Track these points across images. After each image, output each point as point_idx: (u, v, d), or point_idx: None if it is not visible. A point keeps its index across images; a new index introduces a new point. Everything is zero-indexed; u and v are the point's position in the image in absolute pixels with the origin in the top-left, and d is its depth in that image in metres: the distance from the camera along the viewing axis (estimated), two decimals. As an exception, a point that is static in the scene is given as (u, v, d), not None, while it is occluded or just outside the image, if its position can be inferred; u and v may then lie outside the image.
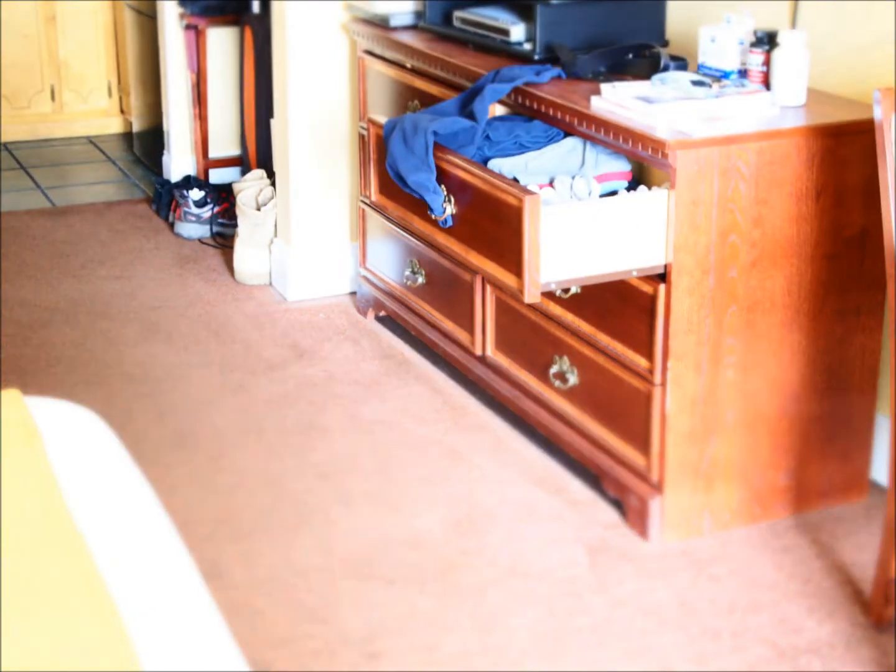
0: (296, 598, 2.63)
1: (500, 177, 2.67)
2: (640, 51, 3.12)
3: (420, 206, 2.91)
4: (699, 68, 2.99)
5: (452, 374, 3.60)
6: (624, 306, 2.79)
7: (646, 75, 2.97)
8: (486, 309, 3.32)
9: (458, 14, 3.52)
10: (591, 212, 2.60)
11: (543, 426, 3.15)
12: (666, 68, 2.97)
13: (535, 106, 3.00)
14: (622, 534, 2.87)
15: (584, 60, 3.06)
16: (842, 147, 2.72)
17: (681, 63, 3.02)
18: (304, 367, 3.69)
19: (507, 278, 2.65)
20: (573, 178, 2.89)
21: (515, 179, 2.87)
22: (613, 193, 2.89)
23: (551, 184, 2.91)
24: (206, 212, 4.75)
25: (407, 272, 3.72)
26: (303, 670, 2.43)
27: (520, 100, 3.06)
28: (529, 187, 2.73)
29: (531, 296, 2.59)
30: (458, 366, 3.50)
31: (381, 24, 3.75)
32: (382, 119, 3.09)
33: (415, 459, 3.17)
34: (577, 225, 2.59)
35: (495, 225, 2.67)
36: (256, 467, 3.15)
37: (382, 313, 3.96)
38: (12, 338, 3.89)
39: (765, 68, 2.87)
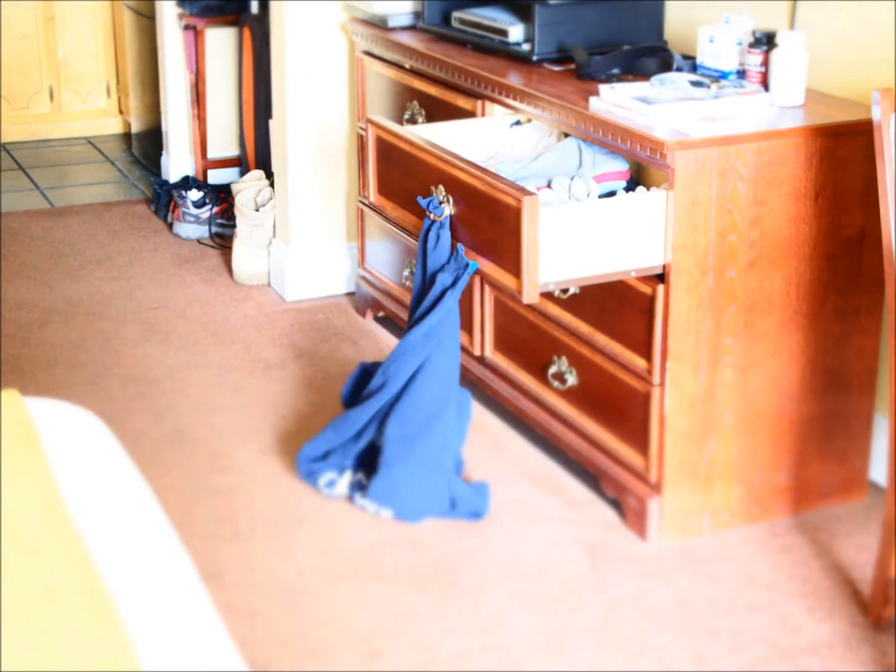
0: (295, 598, 2.63)
1: (499, 177, 2.67)
2: (654, 52, 3.12)
3: (418, 207, 2.91)
4: (697, 68, 2.99)
5: (451, 375, 3.60)
6: (622, 307, 2.79)
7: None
8: (484, 309, 3.32)
9: (456, 14, 3.52)
10: (589, 212, 2.60)
11: (542, 426, 3.15)
12: (680, 69, 2.98)
13: (534, 106, 3.00)
14: (621, 534, 2.87)
15: (598, 62, 3.06)
16: (840, 147, 2.72)
17: (694, 63, 3.01)
18: (303, 368, 3.69)
19: (506, 279, 2.65)
20: (571, 179, 2.90)
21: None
22: (612, 194, 2.89)
23: (549, 185, 2.91)
24: (205, 212, 4.75)
25: (405, 272, 3.72)
26: (303, 670, 2.43)
27: (519, 101, 3.06)
28: (527, 188, 2.73)
29: (530, 296, 2.59)
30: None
31: (379, 24, 3.75)
32: (382, 119, 3.09)
33: (414, 460, 3.17)
34: (576, 225, 2.60)
35: (494, 225, 2.67)
36: (255, 467, 3.15)
37: (381, 314, 3.96)
38: (11, 338, 3.89)
39: (763, 69, 2.88)
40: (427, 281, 2.88)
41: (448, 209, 2.82)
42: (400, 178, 3.01)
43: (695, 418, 2.77)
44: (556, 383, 3.06)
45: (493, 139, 3.19)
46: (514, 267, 2.61)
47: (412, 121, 3.54)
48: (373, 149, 3.11)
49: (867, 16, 2.90)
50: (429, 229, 2.84)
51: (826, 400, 2.89)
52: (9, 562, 1.57)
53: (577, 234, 2.60)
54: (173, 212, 4.79)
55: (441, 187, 2.84)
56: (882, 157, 2.32)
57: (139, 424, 3.35)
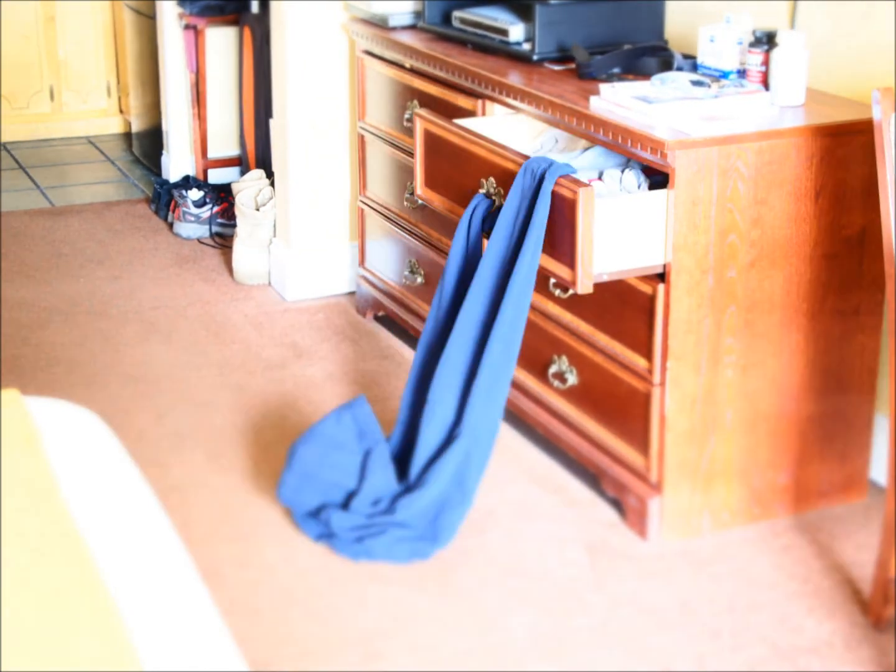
0: (296, 598, 2.63)
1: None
2: (654, 51, 3.12)
3: (467, 200, 2.93)
4: (698, 68, 2.99)
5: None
6: (623, 306, 2.79)
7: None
8: (485, 309, 3.32)
9: (457, 14, 3.52)
10: (641, 203, 2.63)
11: (542, 426, 3.15)
12: (680, 69, 2.98)
13: (535, 106, 3.00)
14: (621, 534, 2.87)
15: (598, 61, 3.06)
16: (841, 147, 2.72)
17: (694, 62, 3.02)
18: (304, 367, 3.69)
19: (560, 269, 2.67)
20: (622, 170, 2.89)
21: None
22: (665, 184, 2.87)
23: (600, 178, 2.91)
24: (205, 212, 4.75)
25: (406, 272, 3.72)
26: (303, 670, 2.43)
27: (519, 101, 3.06)
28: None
29: (584, 287, 2.63)
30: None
31: (380, 24, 3.75)
32: (430, 113, 3.10)
33: (414, 459, 3.16)
34: (628, 216, 2.62)
35: (549, 217, 2.68)
36: (256, 467, 3.15)
37: (381, 313, 3.96)
38: (11, 338, 3.89)
39: (764, 68, 2.87)
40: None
41: (499, 200, 2.83)
42: (449, 171, 3.02)
43: (695, 418, 2.77)
44: (556, 383, 3.06)
45: (539, 132, 3.18)
46: (569, 258, 2.62)
47: (412, 120, 3.54)
48: (420, 142, 3.12)
49: (867, 15, 2.90)
50: (470, 220, 2.86)
51: (826, 400, 2.89)
52: (9, 561, 1.57)
53: (629, 225, 2.62)
54: (174, 211, 4.79)
55: (492, 179, 2.84)
56: (882, 156, 2.32)
57: (140, 424, 3.35)
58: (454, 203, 3.01)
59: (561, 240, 2.66)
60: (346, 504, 2.83)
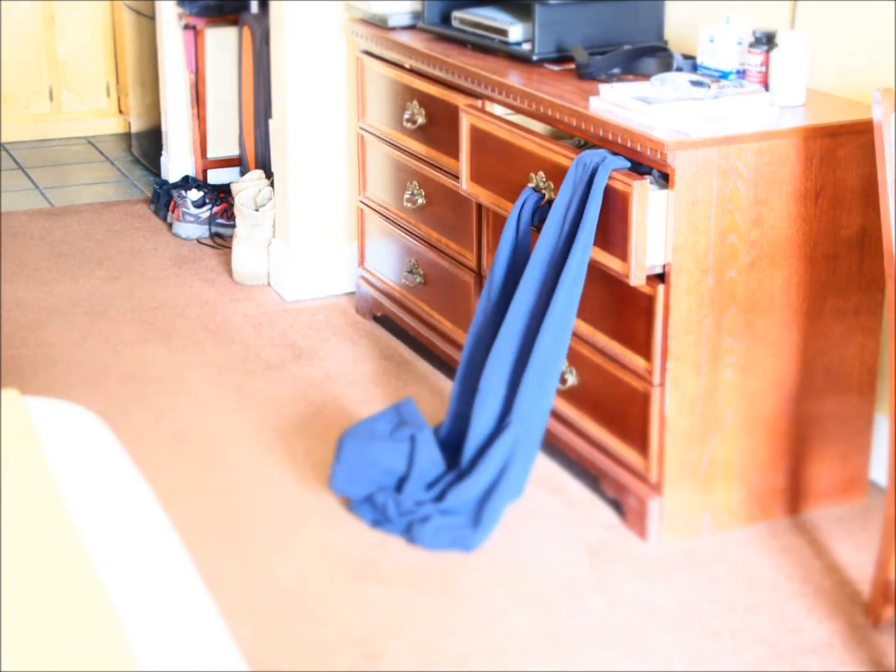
0: (295, 599, 2.63)
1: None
2: (654, 51, 3.12)
3: (515, 194, 2.94)
4: (698, 68, 2.99)
5: (451, 375, 3.60)
6: (622, 306, 2.79)
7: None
8: (484, 309, 3.32)
9: (456, 14, 3.51)
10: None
11: (542, 426, 3.14)
12: (680, 69, 2.98)
13: (535, 107, 3.00)
14: (621, 534, 2.87)
15: (598, 62, 3.06)
16: (841, 147, 2.72)
17: (694, 63, 3.02)
18: (303, 368, 3.69)
19: (612, 262, 2.68)
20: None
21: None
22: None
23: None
24: (205, 212, 4.75)
25: (405, 272, 3.72)
26: (303, 670, 2.43)
27: (519, 101, 3.06)
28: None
29: (637, 279, 2.64)
30: (456, 366, 3.49)
31: (379, 24, 3.75)
32: (472, 109, 3.10)
33: (414, 460, 3.16)
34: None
35: (601, 210, 2.68)
36: (255, 467, 3.14)
37: (381, 313, 3.96)
38: (11, 338, 3.89)
39: (764, 68, 2.87)
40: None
41: (549, 195, 2.83)
42: (495, 166, 3.02)
43: (695, 418, 2.77)
44: (556, 383, 3.06)
45: None
46: (621, 250, 2.64)
47: (412, 120, 3.54)
48: (466, 137, 3.13)
49: (867, 16, 2.90)
50: (520, 215, 2.87)
51: (826, 400, 2.89)
52: (8, 561, 1.57)
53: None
54: (173, 211, 4.79)
55: (541, 173, 2.84)
56: (882, 156, 2.32)
57: (139, 424, 3.35)
58: (501, 197, 3.03)
59: (613, 232, 2.66)
60: (398, 488, 2.93)
